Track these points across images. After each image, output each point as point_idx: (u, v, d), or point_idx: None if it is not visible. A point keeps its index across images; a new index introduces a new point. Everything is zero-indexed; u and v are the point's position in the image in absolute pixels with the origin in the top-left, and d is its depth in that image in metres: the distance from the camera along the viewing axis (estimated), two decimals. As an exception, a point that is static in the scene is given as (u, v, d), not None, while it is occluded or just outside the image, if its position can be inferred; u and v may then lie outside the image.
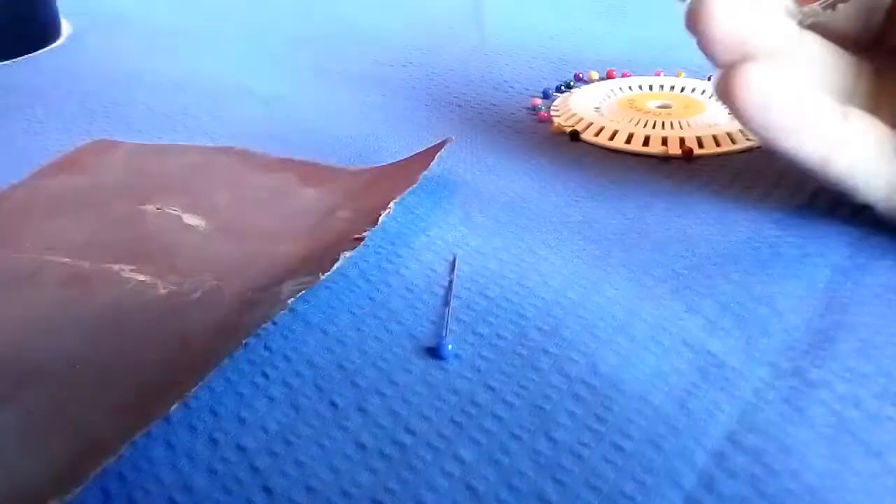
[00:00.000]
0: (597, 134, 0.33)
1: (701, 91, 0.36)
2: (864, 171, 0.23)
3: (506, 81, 0.40)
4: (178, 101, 0.38)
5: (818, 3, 0.25)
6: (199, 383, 0.19)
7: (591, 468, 0.17)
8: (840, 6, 0.25)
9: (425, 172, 0.27)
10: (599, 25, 0.47)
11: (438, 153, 0.28)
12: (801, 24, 0.25)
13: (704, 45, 0.23)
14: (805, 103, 0.23)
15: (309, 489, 0.17)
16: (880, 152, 0.23)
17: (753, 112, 0.23)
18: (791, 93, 0.23)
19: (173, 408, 0.18)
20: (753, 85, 0.22)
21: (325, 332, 0.22)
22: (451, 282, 0.23)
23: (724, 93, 0.23)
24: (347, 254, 0.23)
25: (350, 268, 0.23)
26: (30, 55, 0.43)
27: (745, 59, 0.23)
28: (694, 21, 0.23)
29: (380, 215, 0.24)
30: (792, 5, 0.25)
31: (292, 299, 0.21)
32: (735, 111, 0.23)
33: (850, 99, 0.25)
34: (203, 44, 0.45)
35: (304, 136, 0.34)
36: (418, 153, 0.30)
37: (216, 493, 0.17)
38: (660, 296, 0.23)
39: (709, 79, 0.35)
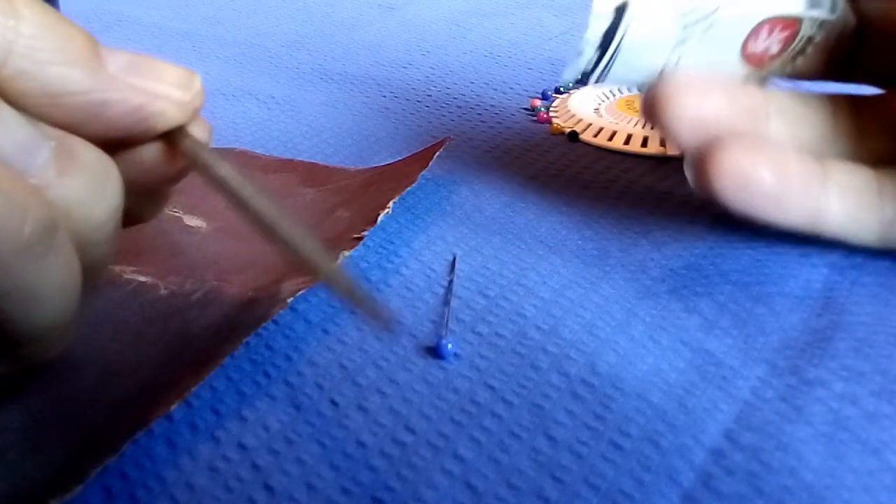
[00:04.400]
0: (596, 135, 0.33)
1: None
2: (852, 225, 0.22)
3: (505, 82, 0.40)
4: (179, 101, 0.38)
5: (778, 59, 0.24)
6: (200, 382, 0.19)
7: (589, 466, 0.17)
8: (799, 62, 0.24)
9: (425, 172, 0.27)
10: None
11: (438, 153, 0.29)
12: (764, 82, 0.25)
13: (668, 136, 0.23)
14: (784, 177, 0.22)
15: (310, 487, 0.17)
16: (867, 203, 0.22)
17: (733, 197, 0.22)
18: (768, 171, 0.22)
19: (174, 406, 0.18)
20: (728, 171, 0.21)
21: (325, 331, 0.22)
22: (451, 282, 0.24)
23: (699, 180, 0.22)
24: (347, 254, 0.23)
25: (350, 268, 0.24)
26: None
27: (713, 140, 0.22)
28: (653, 112, 0.22)
29: (379, 215, 0.25)
30: (748, 70, 0.24)
31: (292, 299, 0.21)
32: (713, 197, 0.22)
33: (830, 143, 0.24)
34: (203, 45, 0.46)
35: (304, 136, 0.34)
36: (418, 153, 0.30)
37: (217, 491, 0.17)
38: (658, 295, 0.23)
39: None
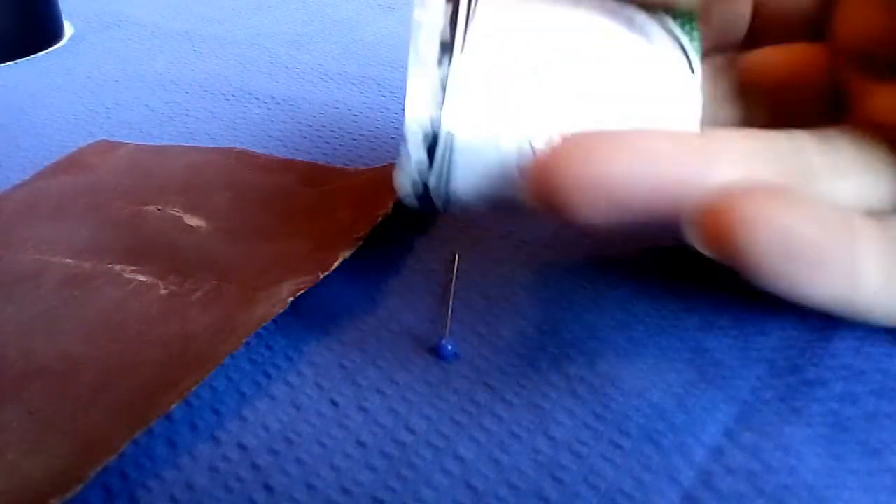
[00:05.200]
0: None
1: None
2: (891, 290, 0.17)
3: (505, 82, 0.40)
4: (179, 101, 0.38)
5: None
6: (200, 382, 0.19)
7: (589, 466, 0.17)
8: None
9: (425, 173, 0.27)
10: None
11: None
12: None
13: (572, 213, 0.17)
14: (825, 233, 0.16)
15: (310, 487, 0.17)
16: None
17: (768, 259, 0.16)
18: (810, 224, 0.16)
19: (174, 406, 0.18)
20: (763, 226, 0.16)
21: (325, 331, 0.22)
22: (451, 281, 0.24)
23: (715, 240, 0.16)
24: (347, 254, 0.23)
25: (350, 268, 0.23)
26: (32, 56, 0.43)
27: (724, 191, 0.16)
28: (548, 186, 0.17)
29: (380, 215, 0.25)
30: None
31: (292, 298, 0.21)
32: (736, 260, 0.16)
33: (806, 182, 0.19)
34: (204, 45, 0.46)
35: (304, 136, 0.34)
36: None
37: (217, 492, 0.17)
38: (657, 295, 0.23)
39: None
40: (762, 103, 0.21)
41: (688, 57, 0.19)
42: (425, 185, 0.18)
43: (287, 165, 0.31)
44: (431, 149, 0.18)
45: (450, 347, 0.21)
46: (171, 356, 0.20)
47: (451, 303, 0.23)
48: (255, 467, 0.18)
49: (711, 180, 0.17)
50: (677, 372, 0.20)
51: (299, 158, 0.32)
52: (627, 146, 0.17)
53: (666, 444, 0.18)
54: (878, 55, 0.19)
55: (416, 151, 0.18)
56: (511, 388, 0.20)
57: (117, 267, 0.24)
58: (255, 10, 0.51)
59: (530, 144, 0.18)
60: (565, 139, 0.17)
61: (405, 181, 0.18)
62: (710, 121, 0.20)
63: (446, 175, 0.18)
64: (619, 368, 0.20)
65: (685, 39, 0.19)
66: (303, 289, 0.22)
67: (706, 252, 0.17)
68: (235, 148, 0.32)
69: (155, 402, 0.18)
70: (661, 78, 0.19)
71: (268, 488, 0.17)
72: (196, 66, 0.42)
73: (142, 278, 0.24)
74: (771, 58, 0.22)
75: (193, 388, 0.19)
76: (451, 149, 0.18)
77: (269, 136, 0.34)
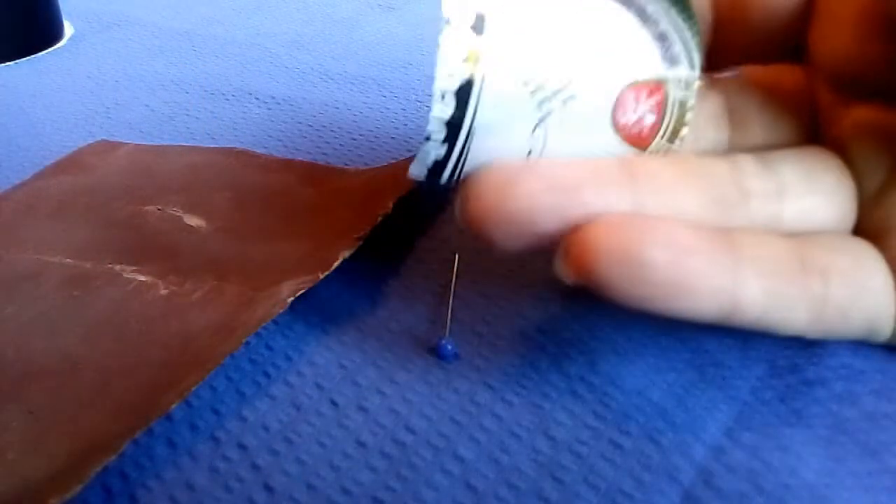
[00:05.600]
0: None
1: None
2: (776, 308, 0.17)
3: (505, 82, 0.40)
4: (179, 101, 0.38)
5: (659, 130, 0.20)
6: (200, 382, 0.19)
7: (589, 466, 0.17)
8: (685, 134, 0.20)
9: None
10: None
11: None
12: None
13: (499, 243, 0.17)
14: (683, 256, 0.16)
15: (310, 487, 0.17)
16: (789, 280, 0.17)
17: (620, 287, 0.16)
18: (661, 249, 0.16)
19: (174, 406, 0.18)
20: (609, 255, 0.16)
21: (325, 331, 0.22)
22: (451, 281, 0.24)
23: (572, 269, 0.17)
24: (347, 254, 0.23)
25: (350, 267, 0.23)
26: (32, 56, 0.43)
27: (583, 221, 0.17)
28: (475, 216, 0.17)
29: (380, 215, 0.25)
30: (632, 149, 0.19)
31: (292, 298, 0.21)
32: (594, 289, 0.16)
33: (738, 206, 0.19)
34: (204, 45, 0.46)
35: (304, 136, 0.34)
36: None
37: (217, 492, 0.17)
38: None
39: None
40: (746, 124, 0.21)
41: (688, 52, 0.19)
42: (436, 167, 0.18)
43: (287, 165, 0.31)
44: (451, 132, 0.18)
45: (450, 347, 0.21)
46: (171, 356, 0.20)
47: (451, 303, 0.23)
48: (255, 467, 0.18)
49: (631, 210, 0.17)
50: (677, 372, 0.20)
51: (299, 158, 0.32)
52: (546, 179, 0.17)
53: (666, 444, 0.18)
54: (853, 76, 0.19)
55: (436, 134, 0.18)
56: (511, 388, 0.20)
57: (117, 267, 0.24)
58: (255, 10, 0.51)
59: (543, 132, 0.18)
60: (486, 171, 0.17)
61: (419, 169, 0.18)
62: (692, 144, 0.20)
63: (462, 160, 0.18)
64: (619, 368, 0.20)
65: (688, 35, 0.19)
66: (303, 289, 0.22)
67: (569, 283, 0.17)
68: (235, 148, 0.32)
69: (155, 402, 0.18)
70: (656, 41, 0.19)
71: (268, 488, 0.17)
72: (196, 66, 0.42)
73: (142, 278, 0.24)
74: (754, 77, 0.22)
75: (193, 388, 0.19)
76: (471, 132, 0.18)
77: (269, 136, 0.34)
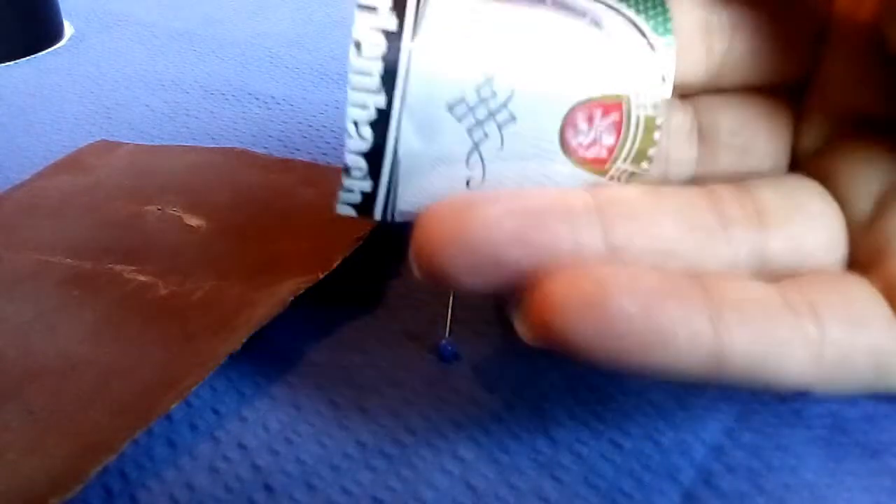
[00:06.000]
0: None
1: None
2: (768, 353, 0.15)
3: (505, 82, 0.40)
4: (179, 101, 0.38)
5: (619, 156, 0.17)
6: (200, 382, 0.19)
7: (589, 466, 0.17)
8: (652, 155, 0.18)
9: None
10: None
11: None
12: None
13: (452, 284, 0.15)
14: (656, 303, 0.15)
15: (310, 487, 0.17)
16: (775, 318, 0.15)
17: (585, 342, 0.14)
18: (629, 297, 0.14)
19: (174, 406, 0.18)
20: (572, 306, 0.14)
21: (325, 331, 0.22)
22: (450, 281, 0.23)
23: (531, 325, 0.15)
24: (347, 253, 0.23)
25: (350, 267, 0.23)
26: (32, 56, 0.43)
27: (541, 270, 0.15)
28: (426, 255, 0.15)
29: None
30: (589, 176, 0.17)
31: (292, 298, 0.21)
32: (555, 346, 0.14)
33: (718, 235, 0.17)
34: (204, 45, 0.46)
35: (304, 136, 0.34)
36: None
37: (218, 492, 0.17)
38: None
39: None
40: (716, 146, 0.20)
41: (645, 37, 0.17)
42: (365, 202, 0.17)
43: (287, 165, 0.31)
44: (372, 161, 0.16)
45: (450, 347, 0.21)
46: (171, 356, 0.20)
47: (451, 303, 0.23)
48: (255, 467, 0.18)
49: (598, 242, 0.16)
50: (677, 372, 0.20)
51: (299, 158, 0.32)
52: (507, 204, 0.15)
53: (666, 443, 0.18)
54: (855, 104, 0.18)
55: (357, 167, 0.16)
56: (511, 388, 0.20)
57: (117, 267, 0.24)
58: (255, 10, 0.51)
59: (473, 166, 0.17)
60: (440, 202, 0.16)
61: (345, 208, 0.17)
62: (663, 160, 0.19)
63: (390, 194, 0.17)
64: (619, 368, 0.20)
65: (641, 20, 0.17)
66: (303, 289, 0.22)
67: (532, 343, 0.15)
68: (235, 148, 0.32)
69: (155, 402, 0.18)
70: (614, 54, 0.17)
71: (268, 488, 0.17)
72: (196, 66, 0.42)
73: (142, 278, 0.24)
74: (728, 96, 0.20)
75: (193, 388, 0.19)
76: (396, 161, 0.16)
77: (269, 136, 0.34)
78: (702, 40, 0.18)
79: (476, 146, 0.17)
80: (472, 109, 0.16)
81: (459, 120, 0.16)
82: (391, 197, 0.17)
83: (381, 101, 0.16)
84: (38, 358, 0.21)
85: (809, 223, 0.18)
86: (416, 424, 0.19)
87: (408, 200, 0.17)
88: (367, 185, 0.17)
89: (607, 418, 0.19)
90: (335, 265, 0.23)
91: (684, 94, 0.19)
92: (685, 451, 0.18)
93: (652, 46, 0.17)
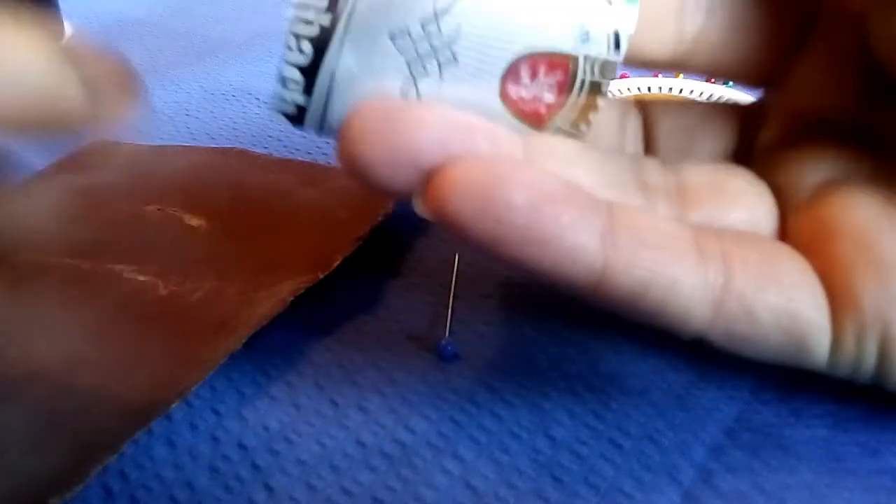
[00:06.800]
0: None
1: (699, 93, 0.36)
2: (660, 286, 0.15)
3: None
4: (179, 101, 0.38)
5: (559, 112, 0.17)
6: (200, 382, 0.19)
7: (589, 466, 0.17)
8: (592, 119, 0.18)
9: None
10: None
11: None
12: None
13: (372, 183, 0.16)
14: (548, 206, 0.15)
15: (310, 487, 0.17)
16: (675, 254, 0.16)
17: (472, 225, 0.15)
18: (523, 192, 0.15)
19: (174, 406, 0.18)
20: (465, 191, 0.15)
21: (325, 331, 0.22)
22: (451, 282, 0.24)
23: (425, 202, 0.15)
24: (347, 253, 0.23)
25: (350, 267, 0.23)
26: (30, 56, 0.43)
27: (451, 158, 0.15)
28: (351, 152, 0.16)
29: (380, 215, 0.25)
30: (524, 128, 0.17)
31: (292, 298, 0.21)
32: (445, 225, 0.15)
33: (634, 196, 0.18)
34: (203, 45, 0.46)
35: (304, 136, 0.34)
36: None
37: (217, 491, 0.17)
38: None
39: (710, 80, 0.35)
40: (658, 148, 0.20)
41: (612, 31, 0.17)
42: (297, 111, 0.17)
43: (287, 165, 0.31)
44: (309, 73, 0.17)
45: (450, 347, 0.21)
46: (171, 356, 0.20)
47: (451, 303, 0.23)
48: (255, 467, 0.18)
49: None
50: (677, 372, 0.20)
51: (299, 158, 0.32)
52: (439, 113, 0.16)
53: (666, 443, 0.18)
54: (823, 110, 0.19)
55: (292, 73, 0.17)
56: (511, 388, 0.20)
57: (117, 267, 0.24)
58: (255, 10, 0.51)
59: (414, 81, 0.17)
60: (373, 100, 0.16)
61: (281, 106, 0.17)
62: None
63: (326, 108, 0.17)
64: (619, 368, 0.20)
65: (616, 13, 0.17)
66: (303, 289, 0.22)
67: (426, 217, 0.16)
68: (235, 148, 0.32)
69: (155, 402, 0.18)
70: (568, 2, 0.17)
71: (268, 488, 0.17)
72: (196, 66, 0.42)
73: (142, 278, 0.24)
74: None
75: (193, 388, 0.19)
76: (333, 80, 0.17)
77: (269, 136, 0.34)
78: (675, 19, 0.18)
79: (413, 80, 0.17)
80: (414, 42, 0.16)
81: (401, 52, 0.17)
82: (324, 112, 0.17)
83: (325, 20, 0.16)
84: (39, 358, 0.21)
85: (729, 199, 0.18)
86: (416, 424, 0.19)
87: (339, 118, 0.17)
88: (300, 99, 0.17)
89: (607, 418, 0.19)
90: (335, 265, 0.23)
91: (647, 66, 0.19)
92: (685, 451, 0.18)
93: (609, 14, 0.17)
